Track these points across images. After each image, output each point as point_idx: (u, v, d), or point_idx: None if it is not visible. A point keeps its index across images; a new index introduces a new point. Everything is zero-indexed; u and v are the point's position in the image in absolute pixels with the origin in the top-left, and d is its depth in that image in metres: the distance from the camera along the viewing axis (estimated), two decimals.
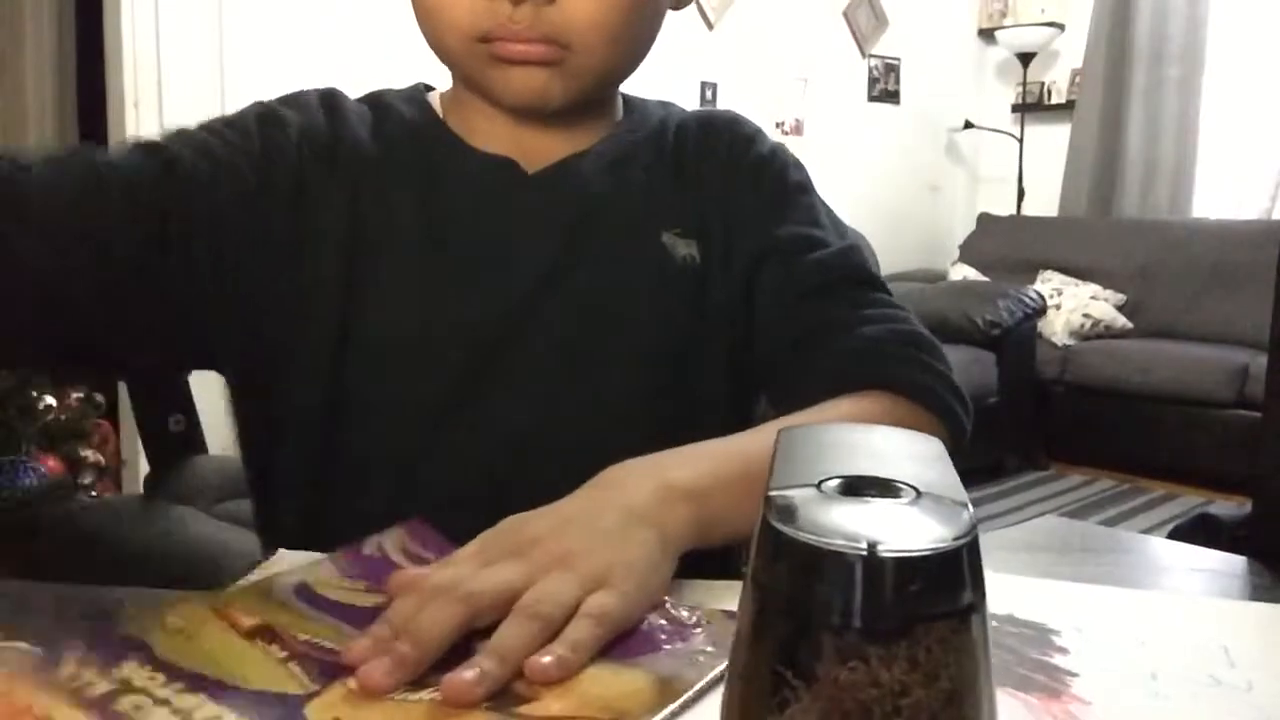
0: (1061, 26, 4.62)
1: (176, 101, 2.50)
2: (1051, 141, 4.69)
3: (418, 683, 0.40)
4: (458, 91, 0.72)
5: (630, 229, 0.70)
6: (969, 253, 4.61)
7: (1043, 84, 4.84)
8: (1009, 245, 4.48)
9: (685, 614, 0.46)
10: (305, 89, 0.73)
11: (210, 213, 0.63)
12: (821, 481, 0.29)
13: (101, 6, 2.54)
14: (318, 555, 0.52)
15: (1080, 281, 4.19)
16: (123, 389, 1.89)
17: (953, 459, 0.33)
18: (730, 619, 0.41)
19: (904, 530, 0.27)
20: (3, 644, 0.40)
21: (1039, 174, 4.70)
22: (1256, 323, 2.93)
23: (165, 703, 0.38)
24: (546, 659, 0.40)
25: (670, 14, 0.72)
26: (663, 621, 0.45)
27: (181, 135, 0.66)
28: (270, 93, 0.72)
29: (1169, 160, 4.42)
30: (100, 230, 0.59)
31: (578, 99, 0.67)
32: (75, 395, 1.87)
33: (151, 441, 1.38)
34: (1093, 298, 4.11)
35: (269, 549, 0.55)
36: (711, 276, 0.71)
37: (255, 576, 0.50)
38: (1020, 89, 4.79)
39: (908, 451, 0.33)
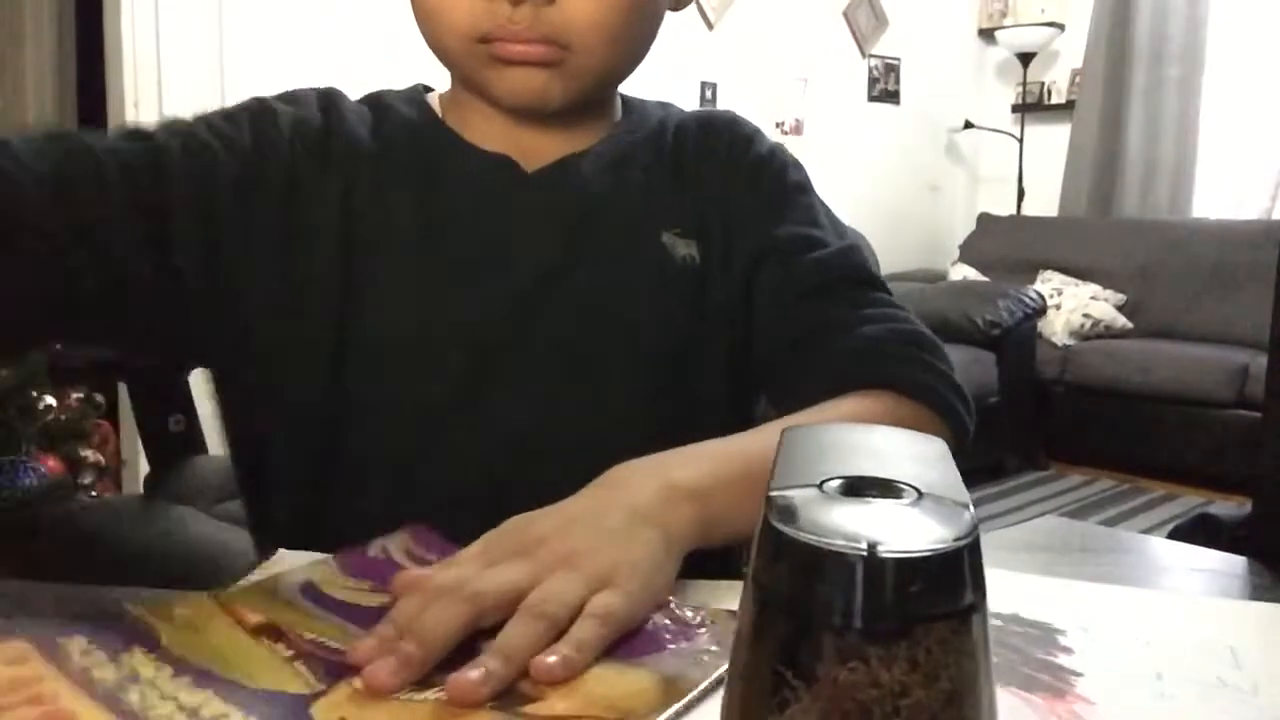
0: (1061, 26, 4.61)
1: (176, 101, 2.49)
2: (1051, 141, 4.69)
3: (423, 682, 0.40)
4: (457, 92, 0.72)
5: (630, 229, 0.70)
6: (969, 253, 4.61)
7: (1043, 84, 4.84)
8: (1009, 245, 4.48)
9: (690, 614, 0.46)
10: (305, 88, 0.72)
11: (201, 204, 0.63)
12: (823, 482, 0.29)
13: (101, 6, 2.54)
14: (320, 555, 0.52)
15: (1080, 281, 4.19)
16: (123, 389, 1.89)
17: (954, 459, 0.33)
18: (735, 619, 0.41)
19: (905, 531, 0.27)
20: (6, 639, 0.40)
21: (1039, 174, 4.69)
22: (1256, 323, 2.93)
23: (172, 698, 0.38)
24: (552, 659, 0.40)
25: (670, 14, 0.72)
26: (667, 621, 0.45)
27: (172, 126, 0.65)
28: (270, 93, 0.71)
29: (1169, 160, 4.41)
30: (100, 228, 0.59)
31: (577, 99, 0.67)
32: (75, 395, 1.87)
33: (151, 441, 1.38)
34: (1093, 298, 4.11)
35: (263, 548, 0.55)
36: (711, 276, 0.71)
37: (256, 576, 0.50)
38: (1020, 89, 4.79)
39: (909, 452, 0.33)
